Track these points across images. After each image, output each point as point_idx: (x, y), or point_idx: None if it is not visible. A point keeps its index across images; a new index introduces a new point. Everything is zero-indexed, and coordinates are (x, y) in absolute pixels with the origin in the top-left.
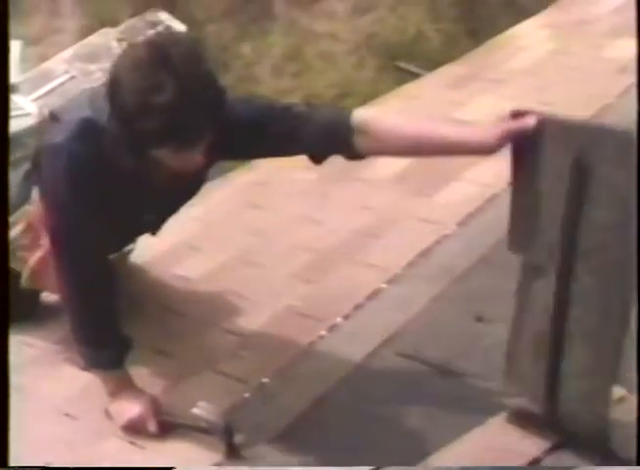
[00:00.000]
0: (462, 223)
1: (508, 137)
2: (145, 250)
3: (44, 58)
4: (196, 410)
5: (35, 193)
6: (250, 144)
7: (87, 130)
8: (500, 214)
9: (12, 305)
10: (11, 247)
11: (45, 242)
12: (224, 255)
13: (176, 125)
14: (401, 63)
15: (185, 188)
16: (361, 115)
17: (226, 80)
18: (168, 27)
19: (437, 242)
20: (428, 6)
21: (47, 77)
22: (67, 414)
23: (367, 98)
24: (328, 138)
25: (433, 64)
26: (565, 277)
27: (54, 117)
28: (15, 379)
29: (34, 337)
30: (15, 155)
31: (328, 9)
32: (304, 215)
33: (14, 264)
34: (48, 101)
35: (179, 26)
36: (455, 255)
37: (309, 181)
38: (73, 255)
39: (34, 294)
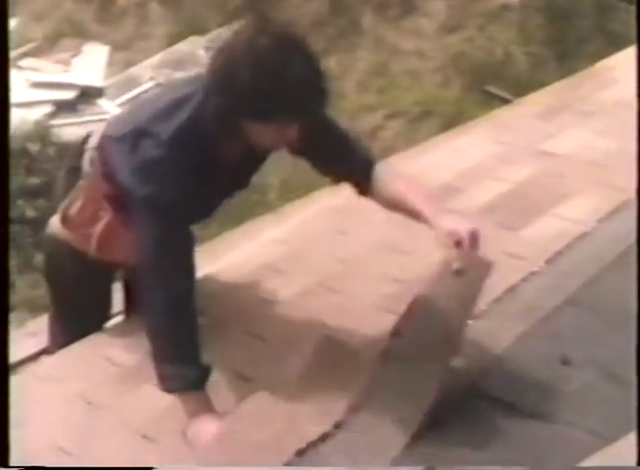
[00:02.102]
0: (550, 261)
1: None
2: (228, 271)
3: (131, 64)
4: None
5: (87, 167)
6: (310, 148)
7: (183, 135)
8: (590, 253)
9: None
10: (72, 225)
11: (106, 213)
12: (308, 280)
13: (303, 101)
14: (490, 87)
15: (255, 166)
16: (382, 168)
17: None
18: None
19: (524, 279)
20: (517, 27)
21: (133, 83)
22: (144, 436)
23: (451, 117)
24: (360, 170)
25: (519, 87)
26: None
27: (141, 133)
28: (96, 396)
29: (119, 352)
30: None
31: (415, 26)
32: (390, 244)
33: (81, 245)
34: None
35: None
36: (542, 293)
37: None
38: (170, 265)
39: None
